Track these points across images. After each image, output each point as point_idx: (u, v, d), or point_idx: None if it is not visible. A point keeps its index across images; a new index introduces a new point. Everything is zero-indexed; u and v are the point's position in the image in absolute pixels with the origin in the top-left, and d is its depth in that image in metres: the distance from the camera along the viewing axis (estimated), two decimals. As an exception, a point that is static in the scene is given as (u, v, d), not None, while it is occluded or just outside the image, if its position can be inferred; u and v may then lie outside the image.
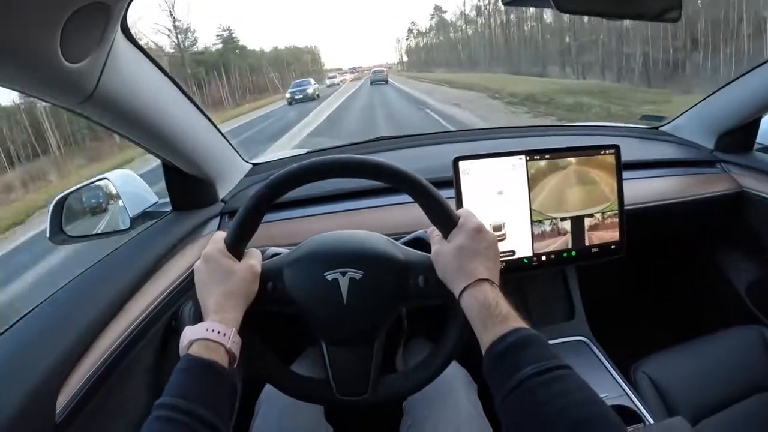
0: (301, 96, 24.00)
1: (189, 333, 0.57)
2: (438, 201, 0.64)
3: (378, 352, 0.68)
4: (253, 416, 0.86)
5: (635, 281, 1.52)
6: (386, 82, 34.44)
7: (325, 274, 0.65)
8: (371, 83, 34.48)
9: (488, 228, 0.64)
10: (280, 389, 0.70)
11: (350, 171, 0.66)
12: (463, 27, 61.32)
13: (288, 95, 24.99)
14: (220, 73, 45.96)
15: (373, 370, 0.68)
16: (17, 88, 0.58)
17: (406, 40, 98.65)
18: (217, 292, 0.61)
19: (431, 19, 79.72)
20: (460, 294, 0.59)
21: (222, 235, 0.66)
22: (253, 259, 0.66)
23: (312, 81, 28.06)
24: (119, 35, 0.69)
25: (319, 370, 0.97)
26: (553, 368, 0.49)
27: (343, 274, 0.65)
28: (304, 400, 0.71)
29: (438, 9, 77.33)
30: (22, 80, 0.57)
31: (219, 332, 0.56)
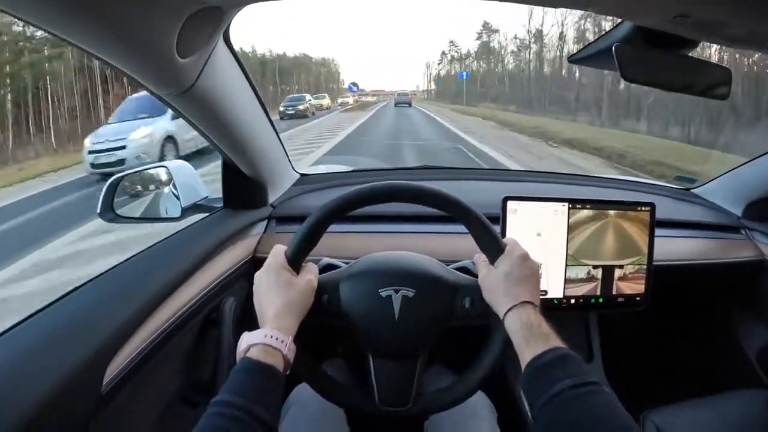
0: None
1: (247, 338, 0.60)
2: (488, 229, 0.70)
3: (422, 367, 0.73)
4: (280, 418, 0.89)
5: (652, 334, 1.55)
6: (410, 105, 36.21)
7: (379, 290, 0.70)
8: (395, 105, 36.20)
9: None
10: (320, 393, 0.73)
11: (412, 197, 0.70)
12: (526, 53, 48.96)
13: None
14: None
15: (415, 384, 0.72)
16: (128, 71, 0.63)
17: (439, 64, 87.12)
18: (277, 302, 0.64)
19: (478, 38, 65.52)
20: (505, 314, 0.64)
21: (282, 247, 0.70)
22: (311, 273, 0.70)
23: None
24: (220, 39, 0.74)
25: (347, 375, 1.01)
26: (587, 383, 0.54)
27: (397, 291, 0.70)
28: (342, 406, 0.75)
29: (487, 27, 62.84)
30: (136, 65, 0.63)
31: (277, 339, 0.60)
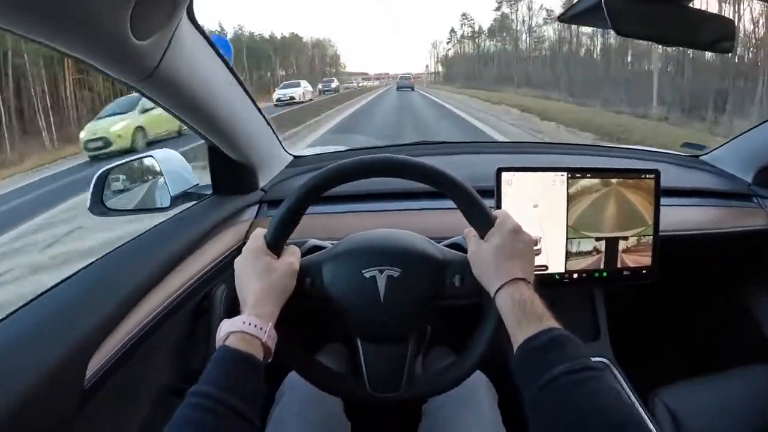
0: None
1: (226, 325, 0.58)
2: (476, 201, 0.66)
3: (412, 350, 0.70)
4: (273, 404, 0.87)
5: (661, 308, 1.51)
6: (412, 89, 36.36)
7: (363, 271, 0.67)
8: (398, 89, 36.16)
9: None
10: (311, 382, 0.71)
11: (391, 171, 0.67)
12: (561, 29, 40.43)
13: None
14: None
15: (406, 368, 0.69)
16: (85, 58, 0.60)
17: (448, 43, 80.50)
18: (256, 287, 0.62)
19: (498, 8, 56.49)
20: (496, 292, 0.61)
21: (262, 231, 0.68)
22: (292, 256, 0.67)
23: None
24: (184, 17, 0.71)
25: (341, 364, 0.99)
26: (585, 368, 0.50)
27: (381, 271, 0.67)
28: (335, 394, 0.73)
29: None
30: (90, 52, 0.59)
31: (256, 326, 0.57)
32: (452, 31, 79.41)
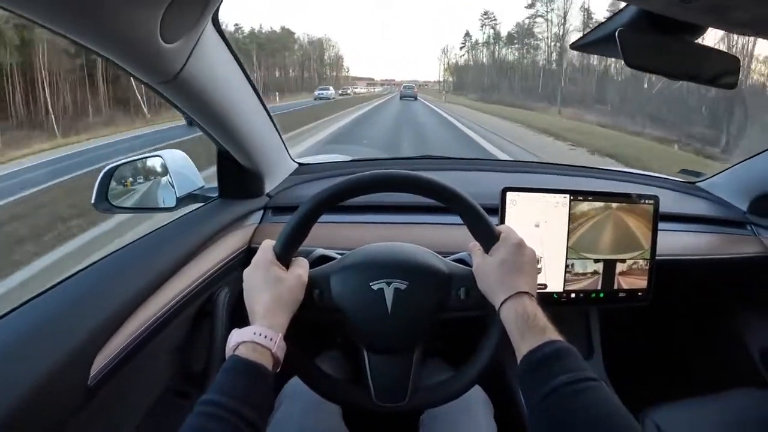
0: None
1: (236, 335, 0.59)
2: (481, 216, 0.68)
3: (417, 361, 0.71)
4: (273, 410, 0.87)
5: (654, 330, 1.53)
6: (415, 98, 36.11)
7: (371, 283, 0.68)
8: (401, 98, 36.18)
9: None
10: (316, 390, 0.72)
11: (403, 186, 0.68)
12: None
13: None
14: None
15: (412, 379, 0.70)
16: (114, 58, 0.61)
17: (461, 48, 70.60)
18: (266, 298, 0.63)
19: (531, 5, 47.34)
20: (501, 305, 0.62)
21: (271, 243, 0.68)
22: (301, 268, 0.68)
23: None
24: (209, 24, 0.72)
25: (340, 371, 1.00)
26: (584, 379, 0.52)
27: (389, 284, 0.68)
28: (339, 403, 0.73)
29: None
30: (119, 52, 0.60)
31: (266, 336, 0.58)
32: (467, 35, 69.66)
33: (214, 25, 0.76)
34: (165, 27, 0.58)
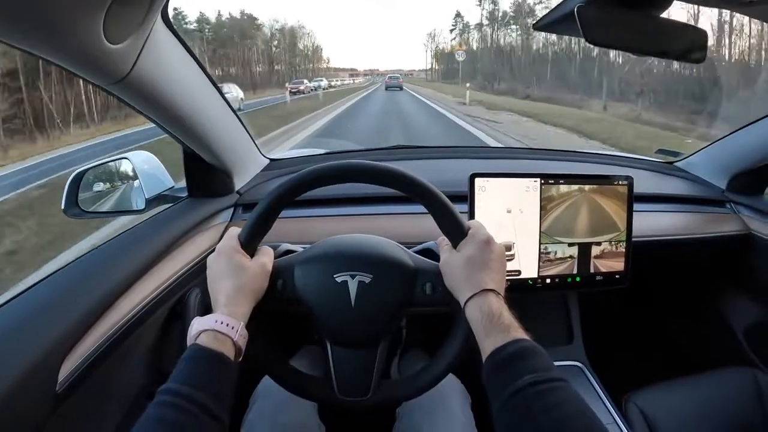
0: None
1: (198, 323, 0.58)
2: (449, 211, 0.66)
3: (381, 356, 0.70)
4: (247, 409, 0.87)
5: (635, 312, 1.53)
6: (401, 88, 35.51)
7: (334, 275, 0.67)
8: (386, 88, 35.59)
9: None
10: (281, 384, 0.71)
11: (367, 177, 0.67)
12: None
13: None
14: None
15: (375, 373, 0.69)
16: (57, 61, 0.59)
17: (452, 32, 65.04)
18: (228, 286, 0.62)
19: None
20: (466, 303, 0.61)
21: (237, 230, 0.68)
22: (265, 256, 0.67)
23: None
24: (159, 21, 0.70)
25: (317, 367, 0.99)
26: (549, 380, 0.51)
27: (353, 276, 0.67)
28: (304, 397, 0.72)
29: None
30: (62, 54, 0.58)
31: (227, 325, 0.57)
32: (458, 15, 62.73)
33: (164, 21, 0.74)
34: (109, 28, 0.56)
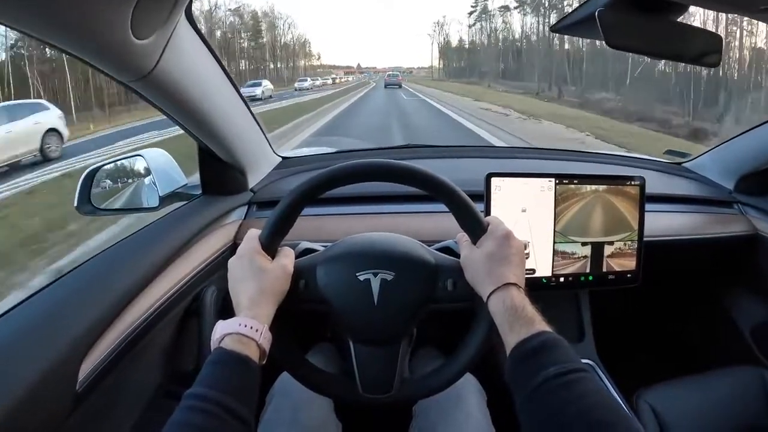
0: None
1: (221, 327, 0.58)
2: (469, 207, 0.67)
3: (404, 352, 0.70)
4: (264, 407, 0.87)
5: (644, 311, 1.54)
6: (400, 86, 35.18)
7: (357, 274, 0.67)
8: (385, 86, 35.41)
9: None
10: (304, 383, 0.71)
11: (390, 175, 0.68)
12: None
13: None
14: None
15: (398, 370, 0.70)
16: (84, 56, 0.60)
17: (470, 15, 54.84)
18: (251, 289, 0.62)
19: None
20: (488, 297, 0.62)
21: (256, 232, 0.68)
22: (287, 258, 0.67)
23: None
24: (182, 18, 0.70)
25: (333, 364, 0.99)
26: (574, 370, 0.52)
27: (375, 274, 0.67)
28: (328, 396, 0.73)
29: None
30: (90, 50, 0.59)
31: (251, 327, 0.57)
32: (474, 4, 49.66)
33: (187, 19, 0.74)
34: (136, 23, 0.57)
